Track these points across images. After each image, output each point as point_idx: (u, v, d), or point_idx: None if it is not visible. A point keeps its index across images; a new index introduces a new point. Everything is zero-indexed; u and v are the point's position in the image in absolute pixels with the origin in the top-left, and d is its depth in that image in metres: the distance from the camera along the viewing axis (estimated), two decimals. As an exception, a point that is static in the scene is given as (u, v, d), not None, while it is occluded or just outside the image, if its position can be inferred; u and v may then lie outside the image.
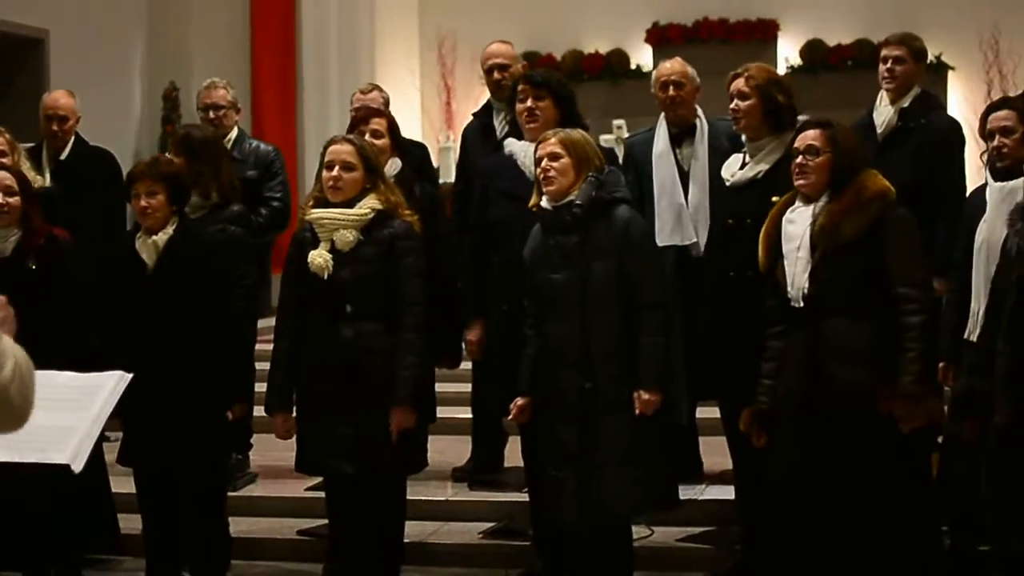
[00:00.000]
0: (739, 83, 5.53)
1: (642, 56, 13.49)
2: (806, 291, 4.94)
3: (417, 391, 5.43)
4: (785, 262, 5.02)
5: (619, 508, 5.28)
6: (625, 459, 5.17)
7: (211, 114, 7.17)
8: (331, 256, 5.38)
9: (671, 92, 6.36)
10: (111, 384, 3.67)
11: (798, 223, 5.01)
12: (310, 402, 5.50)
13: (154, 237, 5.56)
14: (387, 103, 7.07)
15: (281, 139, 11.20)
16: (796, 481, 4.97)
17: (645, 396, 5.15)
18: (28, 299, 5.40)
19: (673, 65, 6.46)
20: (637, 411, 5.16)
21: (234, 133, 7.20)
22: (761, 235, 5.12)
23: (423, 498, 6.45)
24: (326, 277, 5.37)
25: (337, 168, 5.39)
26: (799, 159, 5.01)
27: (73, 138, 7.20)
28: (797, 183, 5.02)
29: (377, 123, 6.03)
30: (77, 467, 3.40)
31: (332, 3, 12.72)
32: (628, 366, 5.19)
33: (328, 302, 5.38)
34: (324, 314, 5.41)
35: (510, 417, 5.49)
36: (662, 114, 6.44)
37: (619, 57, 13.41)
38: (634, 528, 5.66)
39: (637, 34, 13.51)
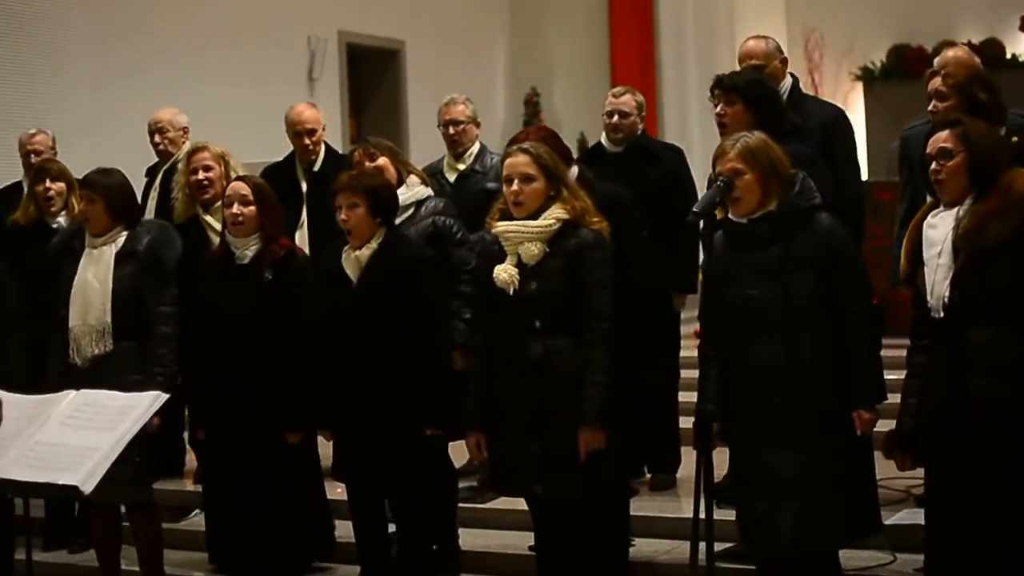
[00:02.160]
0: (936, 82, 4.95)
1: (1019, 45, 12.52)
2: (947, 300, 4.44)
3: (606, 411, 5.13)
4: (925, 269, 4.53)
5: (831, 536, 4.91)
6: (837, 484, 4.79)
7: (451, 129, 7.13)
8: (517, 271, 5.17)
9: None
10: (145, 404, 3.68)
11: (940, 228, 4.52)
12: (501, 420, 5.30)
13: (357, 252, 5.58)
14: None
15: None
16: (947, 506, 4.50)
17: (865, 415, 4.76)
18: (260, 309, 5.64)
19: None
20: (858, 431, 4.76)
21: (476, 147, 7.12)
22: (904, 242, 4.65)
23: (665, 515, 6.20)
24: (512, 292, 5.16)
25: (516, 182, 5.17)
26: (932, 165, 4.46)
27: (323, 148, 7.32)
28: (937, 191, 4.47)
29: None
30: (86, 489, 3.45)
31: (688, 4, 12.48)
32: (839, 384, 4.77)
33: (516, 318, 5.18)
34: (512, 330, 5.20)
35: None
36: None
37: (994, 47, 12.49)
38: (877, 554, 5.38)
39: (1012, 22, 12.55)
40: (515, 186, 5.16)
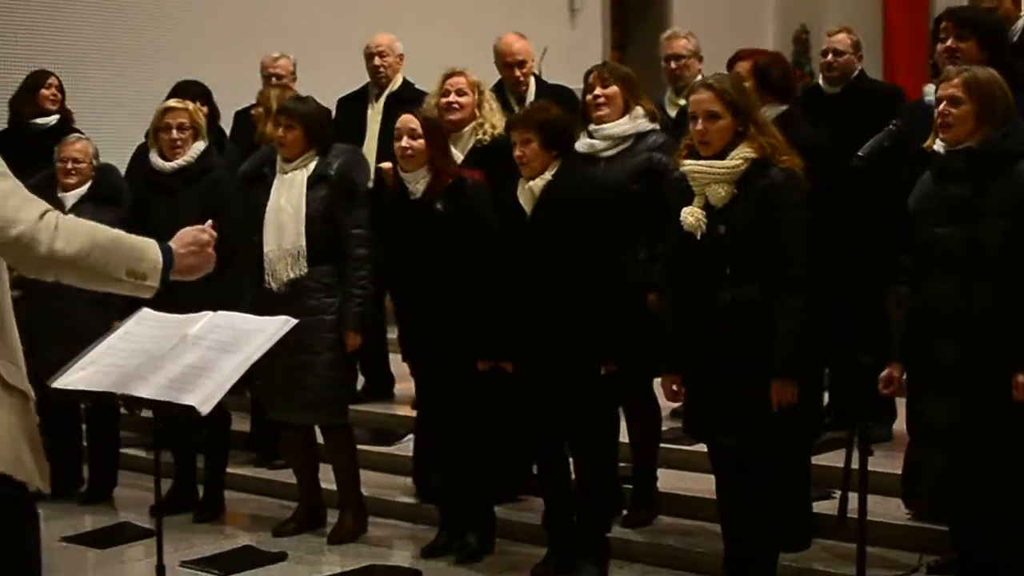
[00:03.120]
0: None
1: None
2: None
3: (796, 362, 4.90)
4: None
5: (987, 503, 4.60)
6: (1000, 448, 4.51)
7: (672, 64, 6.99)
8: (704, 213, 4.96)
9: None
10: (273, 328, 3.68)
11: None
12: (691, 367, 5.13)
13: (531, 183, 5.46)
14: None
15: (911, 80, 10.55)
16: None
17: (1022, 380, 4.44)
18: (436, 241, 5.63)
19: None
20: (1015, 397, 4.45)
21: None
22: None
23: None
24: (700, 236, 4.96)
25: (701, 120, 4.95)
26: None
27: (533, 79, 7.22)
28: None
29: None
30: (204, 410, 3.47)
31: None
32: (1010, 341, 4.47)
33: (704, 262, 4.97)
34: (701, 275, 5.00)
35: (880, 387, 4.84)
36: None
37: None
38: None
39: None
40: (700, 124, 4.95)
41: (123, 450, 7.25)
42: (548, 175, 5.44)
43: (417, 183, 5.80)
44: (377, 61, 7.60)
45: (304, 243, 6.01)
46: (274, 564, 5.96)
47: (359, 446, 6.78)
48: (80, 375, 3.64)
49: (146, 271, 3.09)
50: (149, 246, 3.13)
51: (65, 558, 6.12)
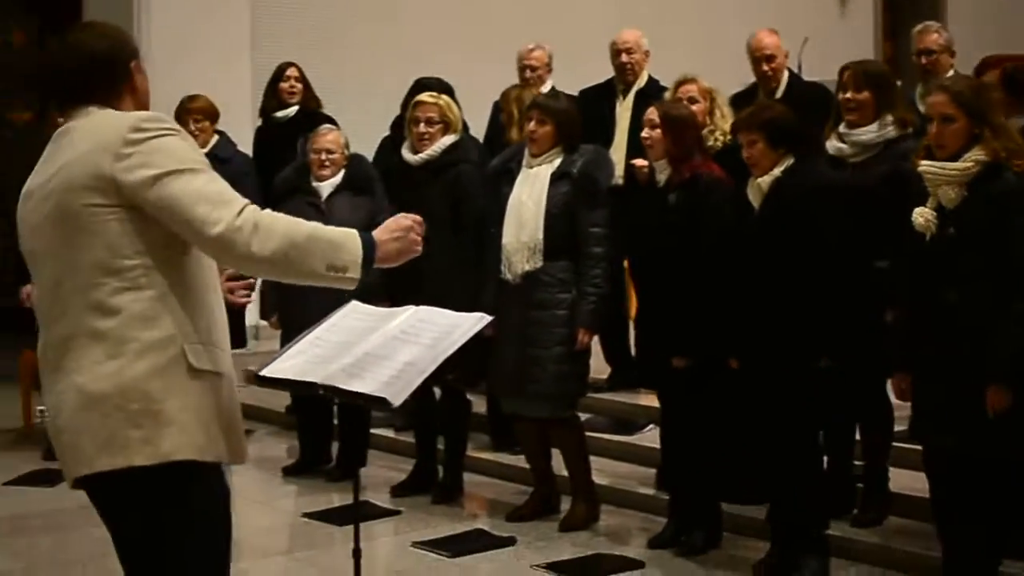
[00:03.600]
0: None
1: None
2: None
3: (1015, 368, 4.77)
4: None
5: None
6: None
7: (923, 59, 6.89)
8: (935, 214, 4.91)
9: None
10: (468, 324, 3.78)
11: None
12: (916, 366, 5.07)
13: (760, 179, 5.46)
14: None
15: None
16: None
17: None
18: (668, 233, 5.67)
19: None
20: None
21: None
22: None
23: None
24: (929, 237, 4.92)
25: (936, 123, 4.91)
26: None
27: (786, 75, 7.15)
28: None
29: None
30: (395, 402, 3.58)
31: None
32: None
33: (932, 263, 4.92)
34: (928, 275, 4.95)
35: None
36: None
37: None
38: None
39: None
40: (935, 127, 4.92)
41: (373, 430, 7.52)
42: (777, 171, 5.44)
43: (661, 172, 5.88)
44: (624, 58, 7.68)
45: (541, 237, 6.12)
46: (503, 548, 6.10)
47: (601, 435, 6.88)
48: (287, 364, 3.81)
49: (346, 264, 3.15)
50: (348, 238, 3.19)
51: (304, 533, 6.42)
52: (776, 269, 5.37)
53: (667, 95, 6.74)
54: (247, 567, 5.53)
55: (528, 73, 8.00)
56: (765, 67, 7.12)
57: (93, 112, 3.16)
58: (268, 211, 3.14)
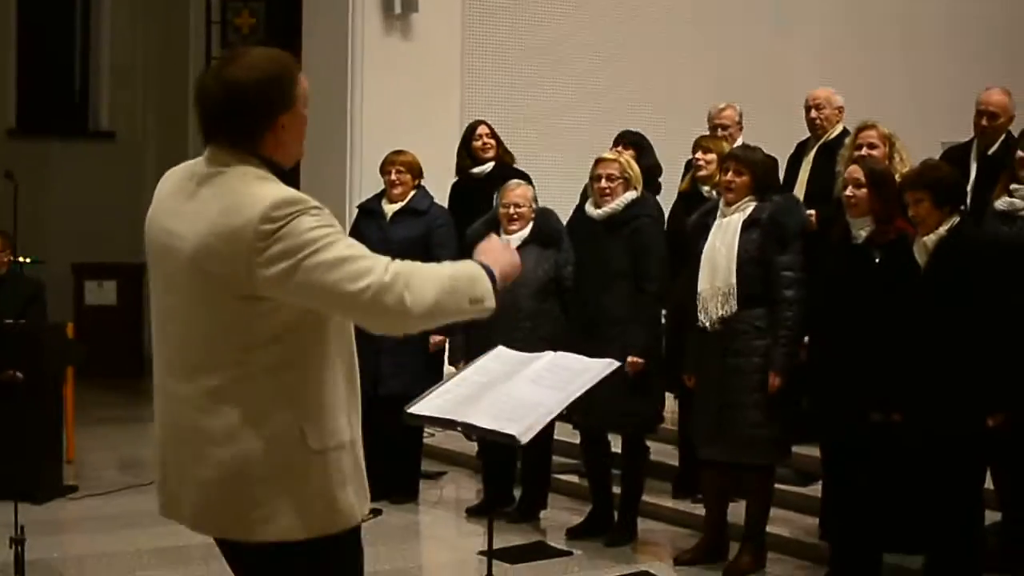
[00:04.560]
0: None
1: None
2: None
3: None
4: None
5: None
6: None
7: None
8: None
9: None
10: (597, 369, 4.01)
11: None
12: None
13: (925, 238, 5.58)
14: None
15: None
16: None
17: None
18: (870, 291, 5.77)
19: None
20: None
21: None
22: None
23: None
24: None
25: None
26: None
27: (1005, 135, 7.22)
28: None
29: None
30: (523, 439, 3.83)
31: None
32: None
33: None
34: None
35: None
36: None
37: None
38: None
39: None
40: None
41: (556, 475, 7.77)
42: (942, 230, 5.54)
43: (860, 229, 5.99)
44: (814, 113, 7.82)
45: (735, 282, 6.30)
46: (665, 591, 6.29)
47: (782, 486, 6.98)
48: (432, 403, 4.10)
49: (483, 294, 3.17)
50: (476, 270, 3.19)
51: (478, 570, 6.68)
52: (944, 327, 5.47)
53: (847, 141, 6.86)
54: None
55: (720, 132, 8.19)
56: (985, 122, 7.20)
57: (228, 172, 3.10)
58: (407, 263, 3.09)
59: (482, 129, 8.60)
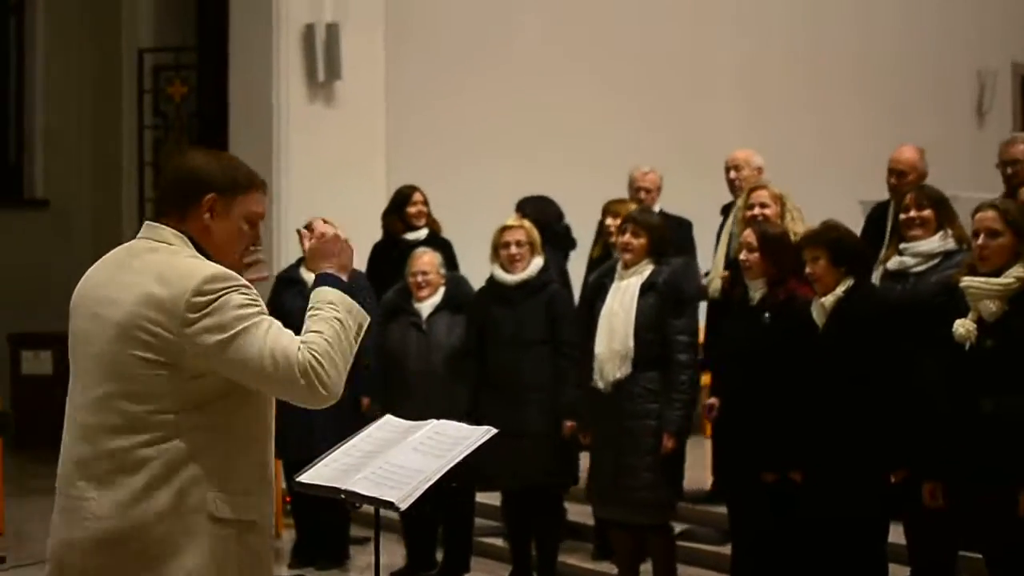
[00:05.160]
0: None
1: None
2: None
3: None
4: None
5: None
6: None
7: (1008, 170, 6.96)
8: (975, 326, 5.13)
9: None
10: (476, 436, 4.07)
11: None
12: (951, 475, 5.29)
13: (823, 299, 5.69)
14: None
15: None
16: None
17: None
18: (760, 351, 5.85)
19: None
20: None
21: None
22: None
23: None
24: (968, 347, 5.13)
25: (982, 236, 5.17)
26: None
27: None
28: None
29: None
30: (402, 506, 3.88)
31: None
32: None
33: (969, 373, 5.15)
34: (965, 384, 5.16)
35: None
36: None
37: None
38: None
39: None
40: (980, 240, 5.14)
41: (478, 538, 7.81)
42: (839, 291, 5.65)
43: (755, 292, 6.11)
44: (733, 175, 7.95)
45: (632, 345, 6.39)
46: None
47: (700, 545, 7.04)
48: (318, 471, 4.15)
49: (361, 320, 3.33)
50: (342, 299, 3.30)
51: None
52: (840, 387, 5.58)
53: (739, 202, 6.99)
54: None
55: (642, 195, 8.30)
56: (895, 181, 7.34)
57: (162, 248, 3.26)
58: (312, 337, 3.21)
59: (417, 196, 8.65)
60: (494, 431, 4.13)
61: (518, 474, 6.78)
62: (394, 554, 8.19)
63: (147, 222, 3.37)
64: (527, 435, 6.77)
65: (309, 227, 3.50)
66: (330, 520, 7.84)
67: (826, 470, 5.62)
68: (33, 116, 12.79)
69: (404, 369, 7.37)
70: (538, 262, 7.06)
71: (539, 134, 10.93)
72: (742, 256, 6.15)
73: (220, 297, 3.16)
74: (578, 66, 11.13)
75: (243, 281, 3.24)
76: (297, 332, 3.25)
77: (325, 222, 3.51)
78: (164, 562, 3.17)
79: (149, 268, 3.22)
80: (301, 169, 10.02)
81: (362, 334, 3.34)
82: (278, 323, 3.23)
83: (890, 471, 5.57)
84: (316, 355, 3.18)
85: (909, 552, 6.16)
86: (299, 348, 3.17)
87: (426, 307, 7.38)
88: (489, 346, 7.13)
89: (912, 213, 5.95)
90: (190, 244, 3.29)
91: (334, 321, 3.26)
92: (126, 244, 3.37)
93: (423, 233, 8.46)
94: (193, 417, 3.19)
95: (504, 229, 7.11)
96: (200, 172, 3.32)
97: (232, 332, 3.15)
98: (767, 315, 6.01)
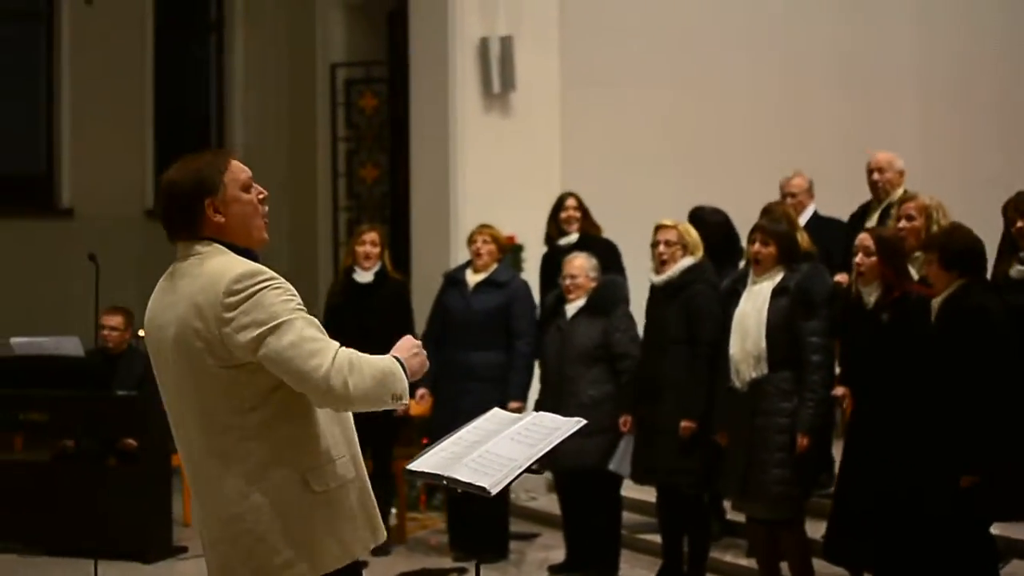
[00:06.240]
0: None
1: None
2: None
3: None
4: None
5: None
6: None
7: None
8: None
9: None
10: (567, 427, 4.30)
11: None
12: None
13: (934, 300, 5.85)
14: None
15: None
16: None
17: None
18: (879, 352, 5.97)
19: None
20: None
21: None
22: None
23: None
24: None
25: None
26: None
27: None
28: None
29: None
30: (493, 491, 4.13)
31: None
32: None
33: None
34: None
35: None
36: None
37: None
38: None
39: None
40: None
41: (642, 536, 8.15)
42: (946, 292, 5.74)
43: (870, 295, 6.21)
44: (876, 176, 8.00)
45: (764, 347, 6.56)
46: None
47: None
48: (427, 460, 4.43)
49: (402, 392, 3.52)
50: (398, 368, 3.51)
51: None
52: (943, 383, 5.69)
53: (893, 212, 7.07)
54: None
55: (789, 200, 8.39)
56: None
57: (192, 260, 3.49)
58: (352, 351, 3.43)
59: (570, 201, 8.89)
60: (584, 422, 4.34)
61: (654, 471, 7.18)
62: (552, 549, 8.47)
63: (179, 243, 3.55)
64: (660, 432, 7.08)
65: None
66: (488, 514, 8.14)
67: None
68: (233, 133, 13.39)
69: (546, 368, 7.77)
70: (685, 262, 7.25)
71: (715, 144, 11.04)
72: (857, 259, 6.24)
73: (253, 295, 3.36)
74: (760, 74, 11.17)
75: (271, 274, 3.42)
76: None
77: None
78: (284, 548, 3.46)
79: (186, 284, 3.47)
80: (477, 177, 10.39)
81: (393, 405, 3.52)
82: (314, 320, 3.43)
83: (964, 474, 5.63)
84: (351, 361, 3.38)
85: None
86: (336, 351, 3.38)
87: (571, 309, 7.66)
88: (644, 346, 7.38)
89: (1021, 223, 5.99)
90: (217, 243, 3.51)
91: (383, 363, 3.47)
92: (168, 271, 3.58)
93: (574, 237, 8.69)
94: (266, 410, 3.43)
95: (658, 228, 7.33)
96: (186, 186, 3.49)
97: (266, 328, 3.34)
98: (884, 315, 6.09)
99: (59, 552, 8.16)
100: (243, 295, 3.37)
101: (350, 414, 3.67)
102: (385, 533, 3.75)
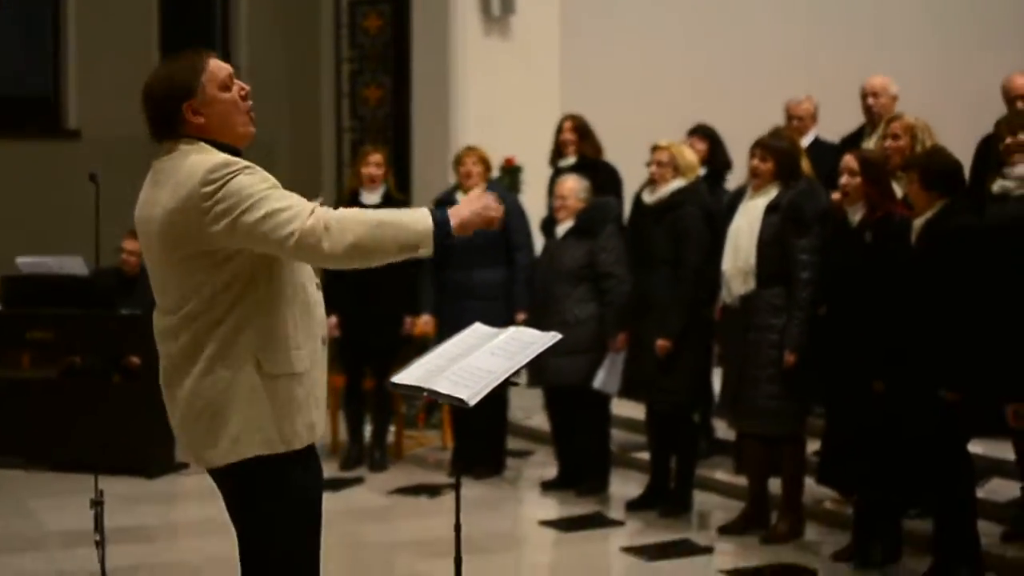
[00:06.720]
0: None
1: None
2: None
3: None
4: None
5: None
6: None
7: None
8: None
9: None
10: (543, 340, 4.42)
11: None
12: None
13: (916, 220, 5.90)
14: None
15: None
16: None
17: None
18: (862, 270, 6.08)
19: None
20: None
21: None
22: None
23: None
24: None
25: None
26: None
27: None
28: None
29: None
30: (471, 402, 4.25)
31: None
32: None
33: None
34: None
35: None
36: None
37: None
38: None
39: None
40: None
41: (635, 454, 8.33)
42: (929, 213, 5.83)
43: (855, 215, 6.31)
44: (871, 100, 8.06)
45: (754, 263, 6.69)
46: (701, 556, 6.73)
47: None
48: (409, 372, 4.56)
49: (417, 241, 3.53)
50: (416, 216, 3.53)
51: (533, 536, 7.22)
52: (925, 304, 5.77)
53: (879, 130, 7.15)
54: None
55: (795, 123, 8.46)
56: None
57: (173, 156, 3.59)
58: (339, 209, 3.50)
59: (566, 124, 8.97)
60: (559, 336, 4.46)
61: (637, 389, 7.45)
62: (547, 466, 8.62)
63: (157, 143, 3.65)
64: (646, 349, 7.25)
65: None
66: (488, 431, 8.31)
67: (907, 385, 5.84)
68: (238, 54, 13.42)
69: (535, 287, 7.96)
70: (675, 184, 7.33)
71: (714, 66, 11.09)
72: (842, 180, 6.32)
73: (227, 182, 3.46)
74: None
75: (244, 163, 3.52)
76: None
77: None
78: (235, 423, 3.60)
79: (166, 179, 3.61)
80: (477, 100, 10.48)
81: (406, 255, 3.58)
82: (290, 193, 3.51)
83: (946, 389, 5.70)
84: (328, 218, 3.44)
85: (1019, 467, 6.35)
86: (311, 212, 3.45)
87: (560, 229, 7.79)
88: (636, 265, 7.50)
89: (1009, 139, 6.02)
90: (200, 141, 3.61)
91: (381, 215, 3.52)
92: (151, 169, 3.70)
93: (571, 160, 8.76)
94: (234, 291, 3.55)
95: (653, 149, 7.43)
96: (162, 92, 3.60)
97: (240, 210, 3.45)
98: (868, 234, 6.19)
99: (63, 467, 8.34)
100: (218, 183, 3.48)
101: (320, 310, 3.79)
102: (320, 435, 3.84)
